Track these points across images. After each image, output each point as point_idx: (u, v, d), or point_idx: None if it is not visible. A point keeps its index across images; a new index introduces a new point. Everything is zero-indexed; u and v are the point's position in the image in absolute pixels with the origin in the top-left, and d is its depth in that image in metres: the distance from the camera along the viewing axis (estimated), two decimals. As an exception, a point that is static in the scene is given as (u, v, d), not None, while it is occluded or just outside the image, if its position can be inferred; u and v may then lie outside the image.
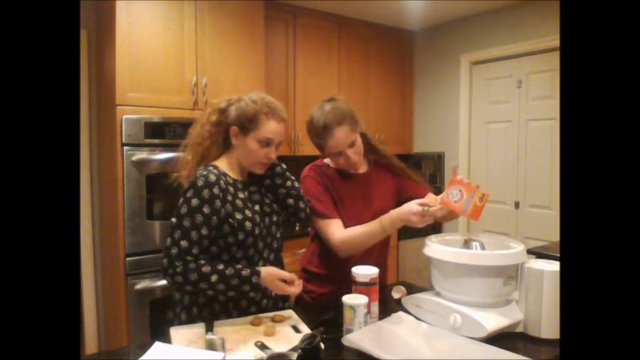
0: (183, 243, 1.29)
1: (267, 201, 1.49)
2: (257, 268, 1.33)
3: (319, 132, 1.53)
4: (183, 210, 1.30)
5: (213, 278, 1.27)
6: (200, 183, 1.31)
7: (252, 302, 1.41)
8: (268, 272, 1.34)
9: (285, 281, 1.34)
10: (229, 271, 1.29)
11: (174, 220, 1.31)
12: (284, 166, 1.51)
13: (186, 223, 1.29)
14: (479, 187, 1.36)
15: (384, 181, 1.70)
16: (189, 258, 1.28)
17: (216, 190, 1.32)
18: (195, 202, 1.30)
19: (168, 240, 1.30)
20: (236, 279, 1.29)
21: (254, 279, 1.30)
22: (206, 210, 1.30)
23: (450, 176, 1.43)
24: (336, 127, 1.50)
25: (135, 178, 2.44)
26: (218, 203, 1.32)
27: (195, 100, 2.65)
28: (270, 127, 1.37)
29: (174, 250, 1.29)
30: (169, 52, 2.57)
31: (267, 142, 1.38)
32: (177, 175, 1.44)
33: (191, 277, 1.27)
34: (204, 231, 1.31)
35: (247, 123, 1.37)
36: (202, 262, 1.29)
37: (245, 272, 1.30)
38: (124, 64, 2.42)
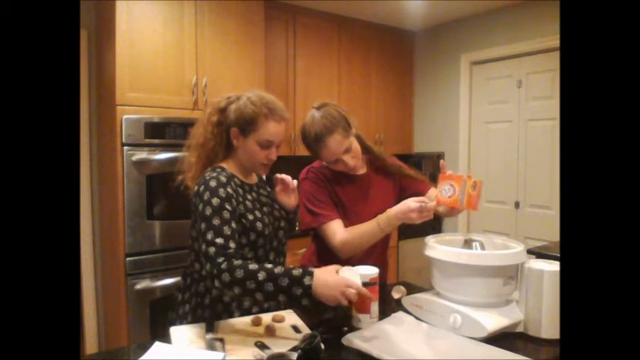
0: (219, 240, 1.23)
1: (276, 206, 1.50)
2: (309, 269, 1.20)
3: (311, 143, 1.52)
4: (208, 211, 1.26)
5: (261, 276, 1.17)
6: (213, 184, 1.30)
7: (254, 302, 1.41)
8: (328, 277, 1.18)
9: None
10: (278, 270, 1.19)
11: (202, 225, 1.26)
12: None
13: (216, 221, 1.25)
14: (470, 177, 1.35)
15: (384, 181, 1.70)
16: (230, 252, 1.22)
17: (230, 190, 1.31)
18: (216, 201, 1.27)
19: (203, 246, 1.24)
20: (285, 279, 1.17)
21: (306, 280, 1.16)
22: (228, 207, 1.28)
23: (440, 173, 1.43)
24: (328, 136, 1.49)
25: (135, 178, 2.44)
26: (234, 202, 1.31)
27: (195, 100, 2.65)
28: (270, 129, 1.36)
29: (212, 249, 1.22)
30: (169, 52, 2.57)
31: (267, 144, 1.37)
32: (183, 177, 1.42)
33: (238, 274, 1.18)
34: (233, 225, 1.27)
35: (247, 125, 1.35)
36: (247, 261, 1.23)
37: (296, 272, 1.18)
38: (124, 64, 2.42)
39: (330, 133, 1.49)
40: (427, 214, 1.38)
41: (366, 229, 1.48)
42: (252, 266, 1.19)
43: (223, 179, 1.32)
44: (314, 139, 1.51)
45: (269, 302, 1.21)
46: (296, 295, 1.16)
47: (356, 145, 1.56)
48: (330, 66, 3.54)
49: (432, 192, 1.62)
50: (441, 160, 1.48)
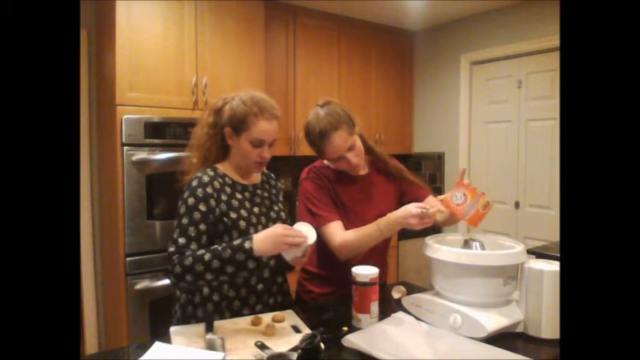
0: (181, 240, 1.30)
1: (276, 208, 1.50)
2: (251, 235, 1.28)
3: (316, 139, 1.52)
4: (182, 210, 1.33)
5: (207, 257, 1.24)
6: (194, 183, 1.35)
7: (245, 304, 1.41)
8: (267, 230, 1.26)
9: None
10: (221, 246, 1.26)
11: (175, 222, 1.33)
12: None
13: (185, 220, 1.32)
14: (484, 195, 1.36)
15: (385, 183, 1.69)
16: (185, 250, 1.28)
17: (209, 190, 1.34)
18: (191, 200, 1.33)
19: (170, 242, 1.31)
20: (228, 250, 1.24)
21: (246, 244, 1.24)
22: (202, 207, 1.33)
23: (458, 179, 1.42)
24: (333, 132, 1.48)
25: (135, 178, 2.44)
26: (212, 202, 1.34)
27: (195, 100, 2.65)
28: (261, 128, 1.36)
29: (172, 248, 1.30)
30: (169, 52, 2.57)
31: (259, 143, 1.38)
32: (187, 178, 1.43)
33: (186, 263, 1.25)
34: (202, 227, 1.32)
35: (238, 124, 1.37)
36: (196, 249, 1.29)
37: (237, 241, 1.26)
38: (124, 64, 2.42)
39: (335, 129, 1.49)
40: (428, 220, 1.37)
41: (366, 232, 1.48)
42: (200, 251, 1.26)
43: (205, 179, 1.36)
44: (318, 135, 1.50)
45: (221, 278, 1.27)
46: (240, 260, 1.24)
47: (359, 144, 1.56)
48: (330, 66, 3.54)
49: (431, 199, 1.62)
50: (463, 167, 1.47)
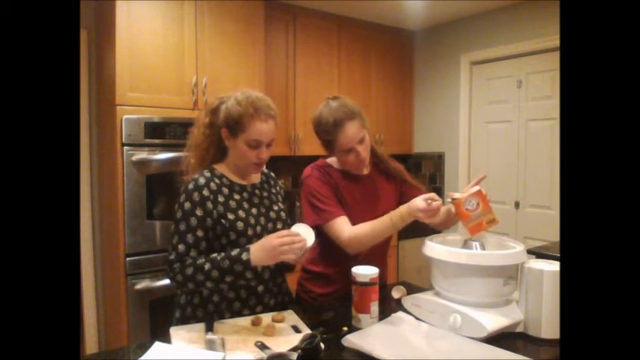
0: (181, 247, 1.31)
1: (275, 208, 1.50)
2: (248, 246, 1.29)
3: (329, 129, 1.52)
4: (179, 215, 1.33)
5: (207, 267, 1.27)
6: (190, 186, 1.34)
7: (245, 305, 1.41)
8: (262, 241, 1.27)
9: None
10: (220, 256, 1.29)
11: (172, 226, 1.34)
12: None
13: (182, 226, 1.32)
14: (492, 209, 1.40)
15: (387, 184, 1.70)
16: (185, 258, 1.31)
17: (205, 192, 1.34)
18: (187, 205, 1.33)
19: (170, 247, 1.32)
20: (226, 261, 1.27)
21: (244, 255, 1.26)
22: (199, 212, 1.32)
23: (475, 182, 1.44)
24: (347, 122, 1.50)
25: (135, 178, 2.44)
26: (210, 205, 1.34)
27: (195, 100, 2.65)
28: (256, 129, 1.34)
29: (172, 256, 1.32)
30: (169, 52, 2.57)
31: (256, 144, 1.36)
32: (186, 178, 1.43)
33: (187, 272, 1.28)
34: (199, 233, 1.32)
35: (234, 125, 1.36)
36: (197, 257, 1.32)
37: (234, 252, 1.28)
38: (124, 64, 2.41)
39: (350, 119, 1.50)
40: (432, 212, 1.38)
41: (377, 225, 1.47)
42: (200, 260, 1.29)
43: (202, 181, 1.35)
44: (332, 125, 1.50)
45: (220, 286, 1.33)
46: (238, 271, 1.27)
47: (368, 139, 1.56)
48: (330, 66, 3.53)
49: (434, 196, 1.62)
50: (483, 175, 1.49)
